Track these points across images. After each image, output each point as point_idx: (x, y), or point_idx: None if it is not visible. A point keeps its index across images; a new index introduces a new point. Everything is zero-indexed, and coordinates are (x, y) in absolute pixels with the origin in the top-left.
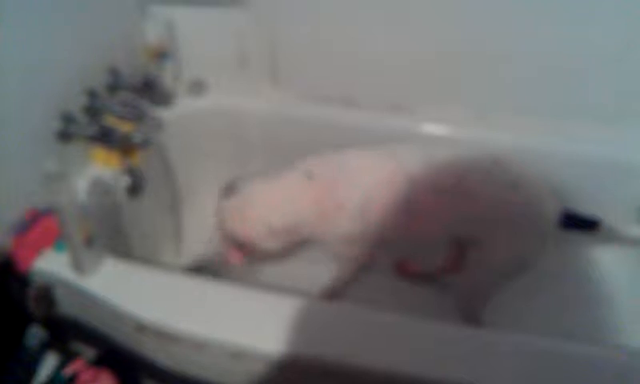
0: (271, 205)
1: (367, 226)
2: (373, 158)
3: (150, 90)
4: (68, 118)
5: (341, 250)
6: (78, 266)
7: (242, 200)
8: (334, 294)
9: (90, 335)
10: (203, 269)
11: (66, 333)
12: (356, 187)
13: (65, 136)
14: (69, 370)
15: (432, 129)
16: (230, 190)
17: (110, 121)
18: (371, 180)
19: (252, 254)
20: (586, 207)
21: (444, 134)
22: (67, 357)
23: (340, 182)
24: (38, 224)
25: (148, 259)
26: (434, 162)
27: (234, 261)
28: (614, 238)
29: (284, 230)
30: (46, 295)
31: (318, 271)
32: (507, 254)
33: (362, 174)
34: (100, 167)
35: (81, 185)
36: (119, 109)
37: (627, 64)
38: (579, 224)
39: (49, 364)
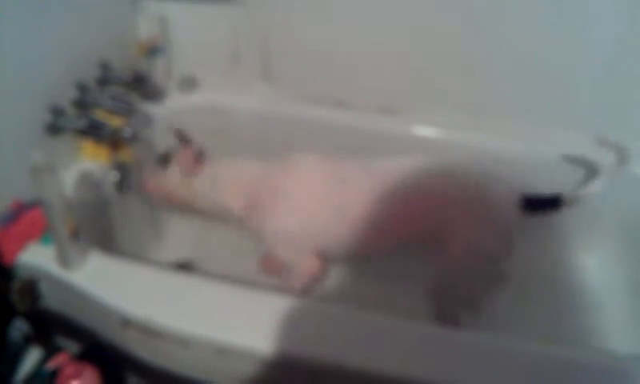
0: (225, 170)
1: (308, 228)
2: (319, 158)
3: (141, 85)
4: (57, 111)
5: (283, 257)
6: (63, 260)
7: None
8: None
9: (74, 329)
10: (189, 265)
11: (50, 327)
12: (296, 180)
13: (54, 129)
14: (52, 364)
15: (422, 131)
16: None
17: (100, 115)
18: (312, 177)
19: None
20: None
21: (434, 136)
22: (50, 351)
23: (283, 171)
24: (24, 216)
25: (134, 254)
26: (369, 169)
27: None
28: (580, 199)
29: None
30: (31, 288)
31: None
32: (461, 241)
33: (305, 169)
34: (88, 161)
35: (69, 178)
36: (109, 103)
37: (616, 72)
38: (542, 205)
39: (32, 358)
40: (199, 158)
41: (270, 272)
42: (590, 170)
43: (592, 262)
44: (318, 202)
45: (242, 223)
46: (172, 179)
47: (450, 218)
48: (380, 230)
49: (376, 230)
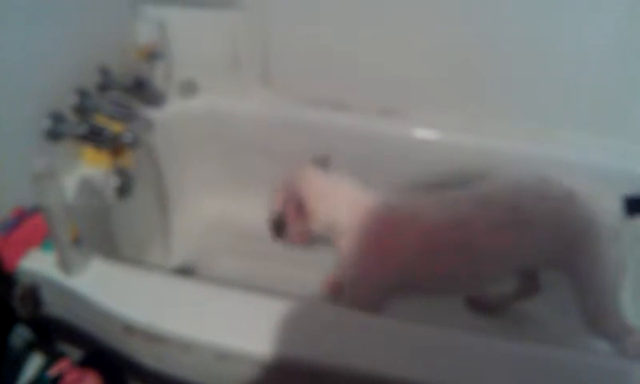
0: (343, 205)
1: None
2: (437, 210)
3: (141, 90)
4: (58, 117)
5: (349, 293)
6: (64, 266)
7: (329, 182)
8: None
9: (76, 335)
10: (190, 270)
11: (52, 333)
12: (415, 234)
13: (54, 135)
14: (54, 371)
15: (423, 133)
16: (324, 163)
17: (100, 120)
18: (428, 231)
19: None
20: None
21: (435, 138)
22: (53, 357)
23: (411, 226)
24: (25, 223)
25: (136, 260)
26: (482, 198)
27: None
28: None
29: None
30: (32, 295)
31: (306, 275)
32: (590, 266)
33: (424, 223)
34: (89, 167)
35: (69, 184)
36: (110, 108)
37: (616, 72)
38: None
39: (34, 364)
40: (300, 207)
41: (334, 293)
42: None
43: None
44: (438, 248)
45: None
46: (292, 235)
47: (571, 241)
48: (503, 261)
49: (499, 261)
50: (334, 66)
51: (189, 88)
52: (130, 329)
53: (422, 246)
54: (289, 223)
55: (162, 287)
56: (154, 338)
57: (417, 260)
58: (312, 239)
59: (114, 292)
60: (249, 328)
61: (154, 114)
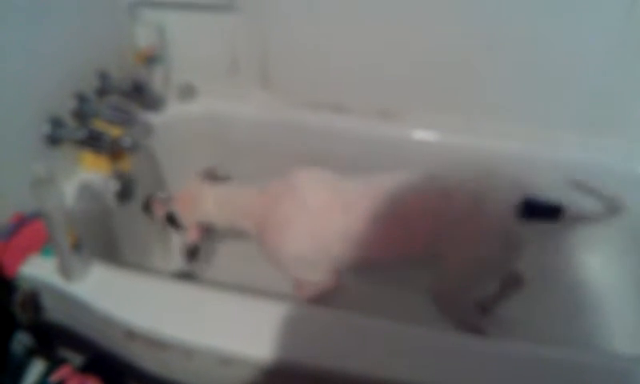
0: (220, 204)
1: (318, 250)
2: (322, 182)
3: (140, 95)
4: (56, 122)
5: (296, 273)
6: (65, 272)
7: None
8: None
9: (77, 341)
10: (191, 274)
11: (53, 339)
12: (302, 206)
13: (53, 140)
14: (55, 377)
15: (421, 135)
16: (210, 174)
17: (99, 125)
18: (317, 204)
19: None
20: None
21: (433, 140)
22: (54, 363)
23: (289, 196)
24: (25, 229)
25: (137, 264)
26: (368, 190)
27: (192, 237)
28: (579, 221)
29: (234, 228)
30: (33, 301)
31: None
32: (458, 257)
33: (310, 195)
34: (89, 172)
35: (69, 189)
36: (108, 113)
37: (615, 74)
38: (541, 212)
39: (35, 371)
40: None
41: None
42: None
43: (595, 261)
44: (324, 228)
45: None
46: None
47: (445, 234)
48: (381, 248)
49: (377, 248)
50: (332, 69)
51: (187, 92)
52: (131, 334)
53: (308, 217)
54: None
55: (163, 292)
56: (156, 343)
57: (307, 230)
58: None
59: (114, 297)
60: (250, 332)
61: (152, 118)
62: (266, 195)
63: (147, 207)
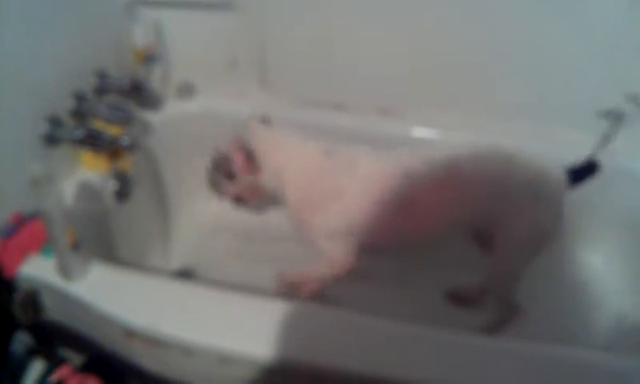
0: (289, 159)
1: (353, 225)
2: (379, 158)
3: (139, 93)
4: (55, 122)
5: (323, 246)
6: (64, 271)
7: (274, 139)
8: (311, 291)
9: (76, 341)
10: (190, 273)
11: (53, 339)
12: (356, 179)
13: (52, 139)
14: (55, 377)
15: (421, 132)
16: (266, 121)
17: (98, 124)
18: (371, 177)
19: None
20: (574, 210)
21: (432, 137)
22: (54, 363)
23: (347, 172)
24: (24, 228)
25: (136, 263)
26: (429, 161)
27: (238, 163)
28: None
29: (278, 177)
30: (33, 301)
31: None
32: (520, 226)
33: (365, 169)
34: (88, 171)
35: (68, 189)
36: (107, 112)
37: (616, 72)
38: (582, 174)
39: (35, 370)
40: (250, 157)
41: (283, 286)
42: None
43: (596, 259)
44: (376, 203)
45: (291, 213)
46: (243, 187)
47: (504, 202)
48: (441, 216)
49: (437, 215)
50: (331, 67)
51: (186, 90)
52: (130, 333)
53: (362, 192)
54: (238, 174)
55: (163, 291)
56: (155, 342)
57: (356, 205)
58: (262, 196)
59: (114, 296)
60: (250, 331)
61: (151, 116)
62: (328, 160)
63: (218, 162)
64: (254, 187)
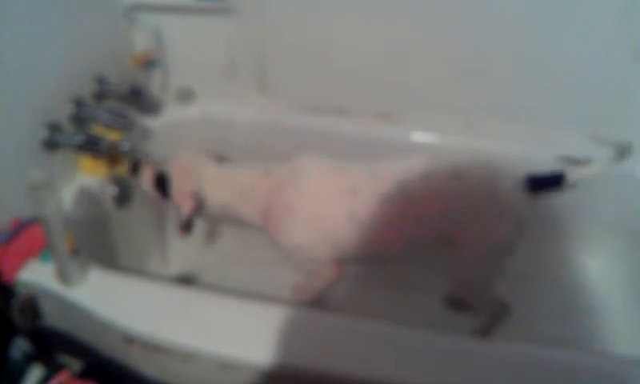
0: (219, 181)
1: (322, 239)
2: (326, 166)
3: (138, 99)
4: (54, 127)
5: (300, 262)
6: (63, 277)
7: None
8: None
9: (75, 347)
10: (190, 278)
11: (52, 344)
12: (305, 193)
13: (51, 145)
14: (54, 383)
15: (421, 137)
16: (211, 154)
17: (97, 129)
18: (322, 190)
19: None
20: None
21: (431, 141)
22: (52, 369)
23: (292, 184)
24: (23, 234)
25: (135, 269)
26: (376, 174)
27: (185, 206)
28: (586, 176)
29: (226, 210)
30: (31, 306)
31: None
32: (477, 241)
33: (314, 181)
34: (87, 176)
35: (67, 194)
36: (106, 117)
37: (611, 73)
38: (545, 183)
39: (33, 377)
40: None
41: (300, 297)
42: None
43: (594, 264)
44: (330, 213)
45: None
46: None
47: (460, 217)
48: (391, 233)
49: (388, 233)
50: (330, 72)
51: (185, 95)
52: (130, 339)
53: (310, 208)
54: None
55: (162, 296)
56: (155, 347)
57: (309, 218)
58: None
59: (113, 302)
60: (249, 336)
61: (150, 121)
62: (269, 179)
63: (136, 168)
64: (186, 194)
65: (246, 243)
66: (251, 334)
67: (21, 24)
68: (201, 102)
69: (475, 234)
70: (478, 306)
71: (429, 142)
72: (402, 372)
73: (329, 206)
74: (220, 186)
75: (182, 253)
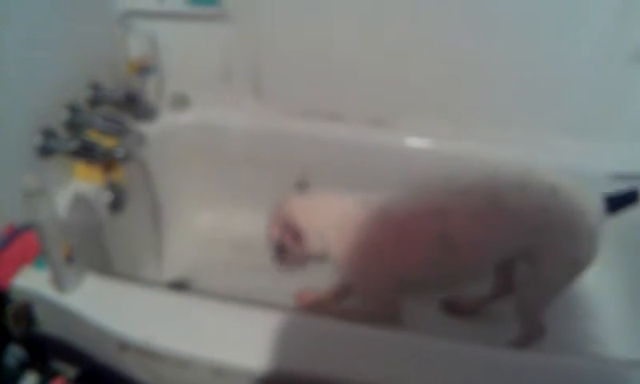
0: (329, 220)
1: (401, 275)
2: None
3: (133, 105)
4: (49, 133)
5: (368, 301)
6: (58, 283)
7: (314, 203)
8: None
9: (70, 354)
10: (185, 284)
11: (46, 351)
12: (390, 230)
13: (46, 151)
14: None
15: (414, 142)
16: (302, 187)
17: (92, 136)
18: (403, 223)
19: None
20: None
21: (425, 147)
22: (47, 376)
23: (375, 224)
24: (18, 240)
25: (130, 275)
26: (461, 189)
27: (289, 243)
28: None
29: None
30: (26, 313)
31: (301, 287)
32: (559, 260)
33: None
34: (82, 183)
35: (62, 200)
36: (101, 123)
37: (606, 78)
38: (622, 202)
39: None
40: (296, 233)
41: (304, 305)
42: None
43: (591, 270)
44: (418, 250)
45: (341, 270)
46: (293, 259)
47: (550, 234)
48: (480, 255)
49: (476, 255)
50: (325, 78)
51: (180, 101)
52: (124, 345)
53: (398, 237)
54: (289, 250)
55: (157, 303)
56: (149, 354)
57: (397, 251)
58: (311, 258)
59: (108, 308)
60: (245, 342)
61: (145, 128)
62: (364, 212)
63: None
64: (303, 256)
65: (241, 248)
66: (246, 339)
67: (16, 30)
68: (196, 108)
69: (560, 251)
70: (525, 321)
71: (424, 147)
72: (398, 376)
73: (413, 230)
74: (318, 216)
75: (176, 258)
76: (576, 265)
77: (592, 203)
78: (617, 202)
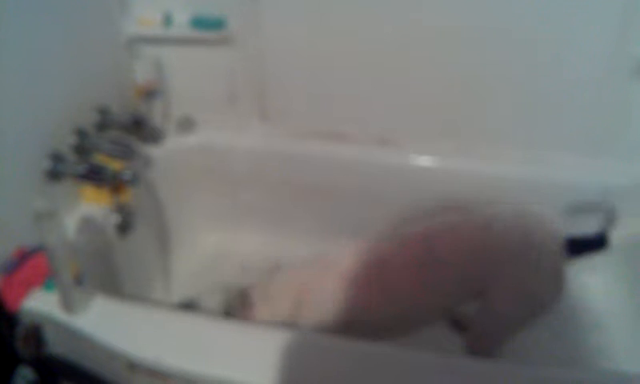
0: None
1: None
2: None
3: (140, 128)
4: (57, 157)
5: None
6: (67, 305)
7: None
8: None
9: (80, 375)
10: (194, 304)
11: (56, 373)
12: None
13: (54, 175)
14: None
15: (419, 161)
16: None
17: (100, 159)
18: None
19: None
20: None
21: (430, 165)
22: None
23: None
24: (27, 263)
25: (138, 296)
26: (402, 239)
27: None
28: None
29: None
30: (35, 335)
31: None
32: (509, 289)
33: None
34: (90, 205)
35: (70, 223)
36: (109, 147)
37: (608, 95)
38: (587, 246)
39: None
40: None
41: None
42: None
43: (595, 282)
44: (356, 294)
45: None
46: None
47: (493, 267)
48: (430, 299)
49: (426, 300)
50: (329, 99)
51: (186, 124)
52: (134, 366)
53: (345, 287)
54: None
55: (165, 323)
56: (158, 374)
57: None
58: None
59: (117, 329)
60: (253, 361)
61: (152, 150)
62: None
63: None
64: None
65: (247, 268)
66: (254, 358)
67: (24, 56)
68: (202, 130)
69: (508, 283)
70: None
71: (428, 165)
72: None
73: (357, 287)
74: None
75: (184, 279)
76: (530, 297)
77: (540, 235)
78: (582, 246)
